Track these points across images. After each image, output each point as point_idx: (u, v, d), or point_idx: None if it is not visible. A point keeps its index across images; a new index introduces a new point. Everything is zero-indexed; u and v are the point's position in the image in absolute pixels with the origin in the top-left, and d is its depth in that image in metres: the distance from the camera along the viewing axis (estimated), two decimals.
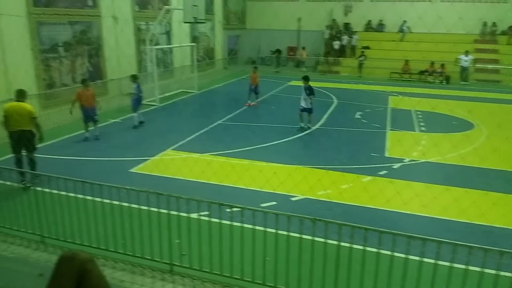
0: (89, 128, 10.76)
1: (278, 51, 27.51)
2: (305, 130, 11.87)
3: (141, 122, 12.35)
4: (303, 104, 11.97)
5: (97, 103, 10.83)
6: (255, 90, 15.44)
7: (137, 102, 12.30)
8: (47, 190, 5.11)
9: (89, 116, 10.61)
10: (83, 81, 10.89)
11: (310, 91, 11.89)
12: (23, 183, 6.69)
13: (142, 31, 17.57)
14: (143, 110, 13.11)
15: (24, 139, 7.49)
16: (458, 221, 6.52)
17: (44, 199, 5.16)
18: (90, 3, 14.48)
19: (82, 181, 4.89)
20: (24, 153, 7.71)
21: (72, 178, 5.00)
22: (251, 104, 15.40)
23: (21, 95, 7.77)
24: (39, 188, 5.11)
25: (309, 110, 12.07)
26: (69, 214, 5.12)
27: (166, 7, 16.42)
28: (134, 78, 12.44)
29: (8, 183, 5.29)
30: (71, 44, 13.91)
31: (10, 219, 5.51)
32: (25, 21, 12.07)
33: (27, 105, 7.65)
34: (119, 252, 5.07)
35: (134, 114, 12.24)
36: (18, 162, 7.59)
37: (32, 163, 7.74)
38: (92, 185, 4.88)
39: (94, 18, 14.73)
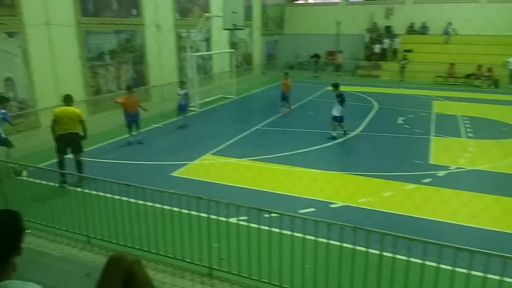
0: (132, 133, 11.13)
1: (317, 56, 27.33)
2: (337, 139, 11.47)
3: (182, 126, 13.02)
4: (334, 112, 11.63)
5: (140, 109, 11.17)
6: (285, 97, 15.23)
7: (183, 106, 12.99)
8: (94, 192, 5.31)
9: (133, 120, 10.99)
10: (128, 87, 11.31)
11: (341, 98, 11.46)
12: (65, 184, 7.04)
13: (183, 38, 18.01)
14: (187, 115, 13.60)
15: (72, 142, 7.95)
16: (509, 232, 6.16)
17: (91, 200, 5.37)
18: (134, 12, 15.04)
19: (127, 184, 5.05)
20: (71, 156, 8.12)
21: (118, 181, 5.18)
22: (285, 111, 15.24)
23: (69, 99, 8.20)
24: (86, 190, 5.32)
25: (339, 119, 11.64)
26: (114, 216, 5.30)
27: (206, 14, 16.75)
28: (182, 84, 13.29)
29: (57, 184, 5.54)
30: (116, 52, 14.48)
31: (59, 219, 5.77)
32: (74, 30, 12.72)
33: (76, 109, 8.10)
34: (160, 254, 5.19)
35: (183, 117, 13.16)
36: (61, 164, 7.99)
37: (80, 165, 8.17)
38: (136, 188, 5.02)
39: (138, 26, 15.28)
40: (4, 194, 5.72)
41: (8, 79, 10.94)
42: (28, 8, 11.12)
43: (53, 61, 12.03)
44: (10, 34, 10.84)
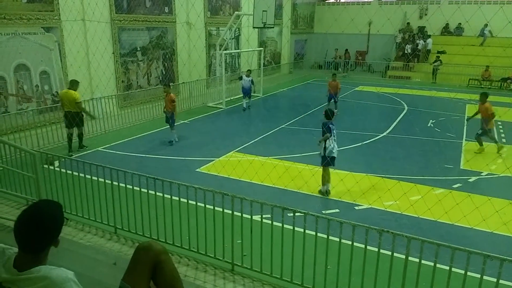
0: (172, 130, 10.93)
1: (346, 51, 27.12)
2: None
3: (247, 108, 15.37)
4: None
5: (175, 109, 10.88)
6: (334, 98, 14.90)
7: (248, 91, 15.17)
8: (122, 184, 5.44)
9: (167, 118, 10.85)
10: (164, 86, 10.97)
11: (324, 130, 7.64)
12: (71, 153, 9.38)
13: (213, 36, 18.18)
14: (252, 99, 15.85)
15: (72, 119, 9.59)
16: None
17: (118, 192, 5.51)
18: (166, 10, 15.30)
19: (154, 177, 5.15)
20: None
21: (145, 174, 5.29)
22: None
23: (71, 84, 9.78)
24: (115, 183, 5.45)
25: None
26: (140, 208, 5.41)
27: (237, 12, 16.82)
28: (249, 72, 15.32)
29: (88, 176, 5.72)
30: (148, 49, 14.78)
31: (88, 210, 5.95)
32: (109, 26, 13.06)
33: (73, 93, 9.55)
34: (184, 248, 5.26)
35: (249, 100, 15.51)
36: (68, 138, 9.80)
37: (80, 136, 10.00)
38: (162, 182, 5.11)
39: (169, 24, 15.54)
40: (37, 183, 5.94)
41: (44, 72, 11.37)
42: (65, 4, 11.51)
43: (88, 56, 12.41)
44: (47, 29, 11.26)
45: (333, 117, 7.86)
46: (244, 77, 15.30)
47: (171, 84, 15.54)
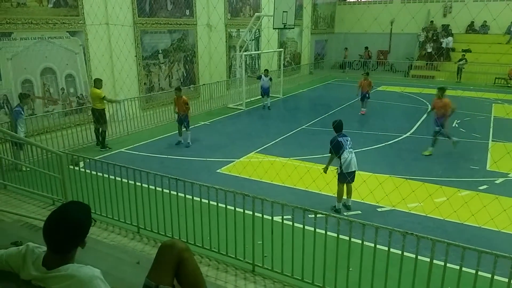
0: (183, 132, 11.00)
1: (366, 48, 26.90)
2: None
3: (269, 107, 15.91)
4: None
5: (189, 111, 10.93)
6: (367, 95, 14.83)
7: (266, 90, 15.59)
8: (144, 185, 5.52)
9: (181, 121, 10.83)
10: (176, 90, 10.96)
11: (330, 149, 7.04)
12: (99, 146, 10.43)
13: (233, 37, 18.27)
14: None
15: (96, 115, 10.26)
16: None
17: (141, 193, 5.60)
18: (187, 12, 15.46)
19: (176, 178, 5.20)
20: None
21: (167, 175, 5.36)
22: (362, 112, 14.91)
23: (95, 82, 10.37)
24: (138, 183, 5.54)
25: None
26: (163, 208, 5.48)
27: (257, 14, 16.85)
28: (266, 72, 15.85)
29: (111, 177, 5.83)
30: (169, 51, 14.97)
31: (112, 210, 6.07)
32: (132, 30, 13.30)
33: (97, 90, 10.21)
34: (205, 248, 5.30)
35: (268, 99, 15.94)
36: (96, 131, 10.54)
37: (103, 134, 10.47)
38: (184, 183, 5.17)
39: (190, 26, 15.70)
40: (64, 184, 6.10)
41: (69, 75, 11.67)
42: (89, 8, 11.78)
43: (111, 59, 12.67)
44: (72, 33, 11.55)
45: (342, 128, 7.10)
46: (263, 76, 15.62)
47: (192, 86, 15.79)
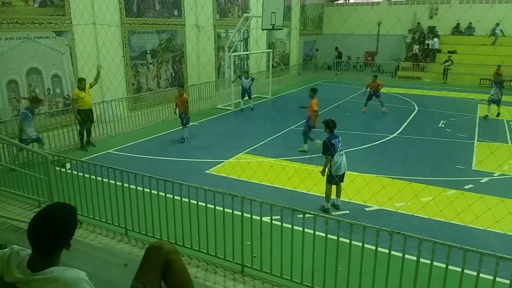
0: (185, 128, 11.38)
1: (336, 49, 27.77)
2: None
3: (251, 108, 15.72)
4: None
5: (187, 108, 11.31)
6: (375, 95, 15.08)
7: (248, 91, 15.47)
8: (132, 186, 5.48)
9: (181, 119, 11.24)
10: (179, 86, 11.43)
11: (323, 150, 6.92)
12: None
13: (222, 38, 18.24)
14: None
15: (82, 116, 10.10)
16: None
17: (129, 194, 5.55)
18: (176, 12, 15.39)
19: (165, 179, 5.18)
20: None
21: (155, 176, 5.33)
22: (384, 111, 15.08)
23: (78, 82, 10.41)
24: (125, 184, 5.50)
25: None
26: (151, 210, 5.45)
27: (246, 14, 16.86)
28: (247, 74, 15.95)
29: (99, 178, 5.77)
30: (157, 52, 14.88)
31: (99, 211, 6.01)
32: (119, 30, 13.19)
33: (75, 91, 10.22)
34: (193, 249, 5.28)
35: (250, 101, 15.74)
36: (81, 134, 10.37)
37: (87, 132, 10.39)
38: (172, 184, 5.14)
39: (179, 26, 15.63)
40: (50, 185, 6.02)
41: (56, 75, 11.52)
42: (76, 8, 11.65)
43: (98, 59, 12.54)
44: (59, 33, 11.40)
45: (335, 127, 6.94)
46: (243, 78, 15.51)
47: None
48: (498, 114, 14.38)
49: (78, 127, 10.37)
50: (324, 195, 7.07)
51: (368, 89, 15.25)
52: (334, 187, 7.03)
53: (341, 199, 7.18)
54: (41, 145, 9.18)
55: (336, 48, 28.12)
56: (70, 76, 11.83)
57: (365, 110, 15.35)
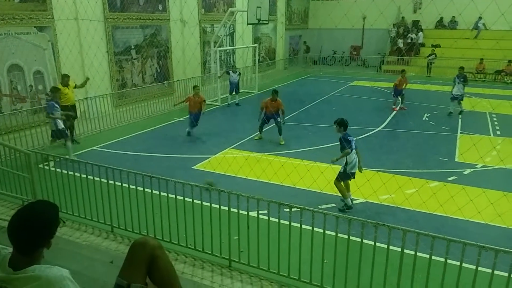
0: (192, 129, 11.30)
1: (304, 43, 28.32)
2: None
3: (237, 104, 15.74)
4: None
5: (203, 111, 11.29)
6: (399, 93, 14.82)
7: (236, 86, 15.66)
8: (118, 183, 5.43)
9: (193, 119, 11.03)
10: (195, 87, 11.46)
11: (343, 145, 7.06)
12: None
13: (207, 33, 18.12)
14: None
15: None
16: None
17: (114, 191, 5.50)
18: (160, 7, 15.22)
19: (150, 175, 5.14)
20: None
21: (141, 172, 5.29)
22: (401, 107, 14.93)
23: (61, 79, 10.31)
24: (111, 181, 5.45)
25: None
26: (137, 207, 5.41)
27: (231, 9, 16.77)
28: (235, 68, 16.21)
29: (83, 175, 5.70)
30: (142, 47, 14.72)
31: (84, 209, 5.95)
32: (102, 25, 12.99)
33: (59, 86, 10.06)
34: (180, 245, 5.27)
35: (236, 96, 15.90)
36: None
37: (70, 128, 10.05)
38: (158, 180, 5.11)
39: (163, 21, 15.47)
40: (33, 183, 5.93)
41: (38, 72, 11.31)
42: (57, 3, 11.43)
43: (81, 55, 12.35)
44: (40, 29, 11.18)
45: (347, 126, 7.07)
46: (231, 73, 15.63)
47: (166, 82, 15.59)
48: (461, 112, 13.74)
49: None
50: (339, 194, 6.97)
51: (398, 86, 14.59)
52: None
53: (326, 192, 7.22)
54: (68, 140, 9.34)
55: (305, 42, 28.35)
56: (52, 72, 11.62)
57: (399, 108, 14.83)
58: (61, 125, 9.11)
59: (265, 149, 9.95)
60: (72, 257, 3.85)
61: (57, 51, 11.63)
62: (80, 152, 9.82)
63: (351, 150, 6.86)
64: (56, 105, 9.12)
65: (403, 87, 14.77)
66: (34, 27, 11.02)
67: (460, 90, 13.60)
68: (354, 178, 7.03)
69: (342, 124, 7.03)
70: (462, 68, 14.15)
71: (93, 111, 11.80)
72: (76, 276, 2.05)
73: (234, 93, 15.77)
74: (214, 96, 16.14)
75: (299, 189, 7.50)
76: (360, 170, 7.00)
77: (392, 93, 15.06)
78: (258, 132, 11.17)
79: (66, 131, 9.34)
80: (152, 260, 2.41)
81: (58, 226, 2.10)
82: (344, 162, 6.90)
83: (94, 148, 10.22)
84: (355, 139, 7.05)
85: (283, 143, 10.63)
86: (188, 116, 11.26)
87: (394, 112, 14.55)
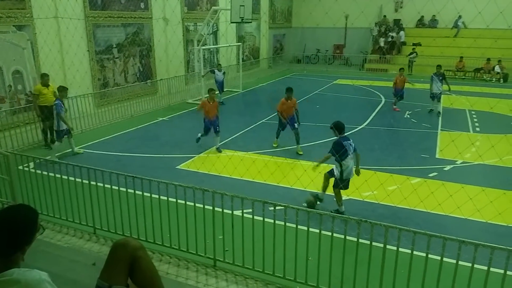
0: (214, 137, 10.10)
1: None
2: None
3: (222, 102, 15.19)
4: None
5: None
6: (399, 93, 14.53)
7: (221, 84, 15.62)
8: (100, 184, 5.36)
9: (213, 126, 9.96)
10: (211, 90, 10.23)
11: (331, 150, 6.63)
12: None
13: (190, 31, 18.01)
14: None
15: (45, 112, 9.82)
16: None
17: (97, 192, 5.43)
18: (142, 5, 15.06)
19: (133, 176, 5.09)
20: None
21: (123, 173, 5.23)
22: (394, 108, 14.64)
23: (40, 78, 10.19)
24: (93, 182, 5.37)
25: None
26: (120, 208, 5.35)
27: (214, 8, 16.69)
28: (220, 66, 16.03)
29: (64, 177, 5.61)
30: (124, 46, 14.53)
31: (66, 211, 5.85)
32: (83, 23, 12.78)
33: (37, 86, 10.05)
34: (165, 246, 5.24)
35: (219, 95, 15.33)
36: (44, 132, 10.16)
37: (50, 130, 9.94)
38: (141, 180, 5.07)
39: (145, 20, 15.31)
40: (12, 186, 5.80)
41: (17, 71, 11.05)
42: (37, 1, 11.19)
43: (61, 54, 12.12)
44: (19, 27, 10.93)
45: (344, 129, 6.63)
46: (216, 71, 15.57)
47: (149, 81, 15.45)
48: (439, 113, 13.67)
49: (41, 125, 10.03)
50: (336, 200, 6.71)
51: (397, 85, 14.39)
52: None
53: (310, 190, 7.26)
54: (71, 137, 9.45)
55: (279, 40, 28.53)
56: (32, 72, 11.38)
57: (397, 109, 14.58)
58: (63, 126, 9.14)
59: (249, 148, 9.95)
60: (53, 260, 3.79)
61: (37, 50, 11.39)
62: (61, 153, 9.65)
63: (347, 156, 6.42)
64: (63, 105, 9.14)
65: (402, 86, 14.50)
66: (13, 25, 10.77)
67: (439, 88, 13.76)
68: (348, 187, 6.67)
69: (337, 127, 6.61)
70: (439, 66, 14.25)
71: (74, 111, 11.59)
72: (57, 279, 2.02)
73: (217, 92, 15.66)
74: (198, 95, 16.05)
75: (282, 187, 7.53)
76: (357, 173, 6.67)
77: (393, 93, 14.89)
78: (276, 139, 10.28)
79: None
80: (134, 261, 2.38)
81: (38, 232, 2.05)
82: (339, 171, 6.52)
83: (76, 149, 10.04)
84: (353, 144, 6.64)
85: (301, 153, 9.68)
86: (204, 123, 10.02)
87: (377, 109, 14.71)
